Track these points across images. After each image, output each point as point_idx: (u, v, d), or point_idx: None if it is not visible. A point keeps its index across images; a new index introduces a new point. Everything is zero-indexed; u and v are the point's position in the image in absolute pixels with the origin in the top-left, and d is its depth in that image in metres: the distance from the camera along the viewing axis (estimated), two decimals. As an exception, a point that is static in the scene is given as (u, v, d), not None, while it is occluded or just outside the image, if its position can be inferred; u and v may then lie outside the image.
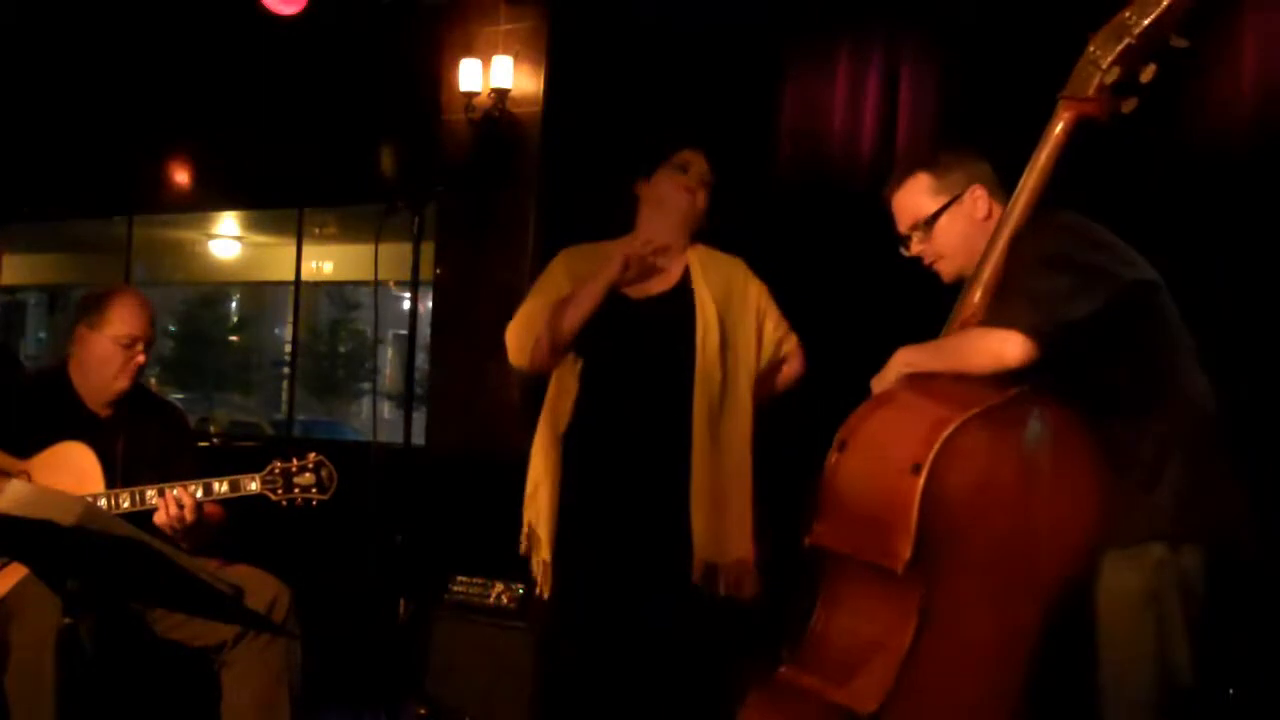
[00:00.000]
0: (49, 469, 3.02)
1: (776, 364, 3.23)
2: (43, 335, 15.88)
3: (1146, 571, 2.20)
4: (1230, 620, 2.27)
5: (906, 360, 2.37)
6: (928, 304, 4.07)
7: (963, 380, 2.28)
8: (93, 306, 3.19)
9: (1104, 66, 2.20)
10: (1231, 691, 2.89)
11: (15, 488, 2.46)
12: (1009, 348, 2.19)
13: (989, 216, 2.43)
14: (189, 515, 2.96)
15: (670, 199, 3.13)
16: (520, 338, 3.15)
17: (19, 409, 3.15)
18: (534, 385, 3.40)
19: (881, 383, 2.41)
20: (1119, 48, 2.18)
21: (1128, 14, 2.18)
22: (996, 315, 2.25)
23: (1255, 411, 3.46)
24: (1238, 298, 3.53)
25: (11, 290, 13.74)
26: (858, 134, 4.49)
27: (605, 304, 3.05)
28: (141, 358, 3.16)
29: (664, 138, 4.48)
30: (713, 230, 3.30)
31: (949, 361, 2.30)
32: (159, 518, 2.95)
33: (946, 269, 2.50)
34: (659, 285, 3.15)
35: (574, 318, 3.05)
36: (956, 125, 4.13)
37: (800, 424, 4.29)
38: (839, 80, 4.53)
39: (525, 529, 3.21)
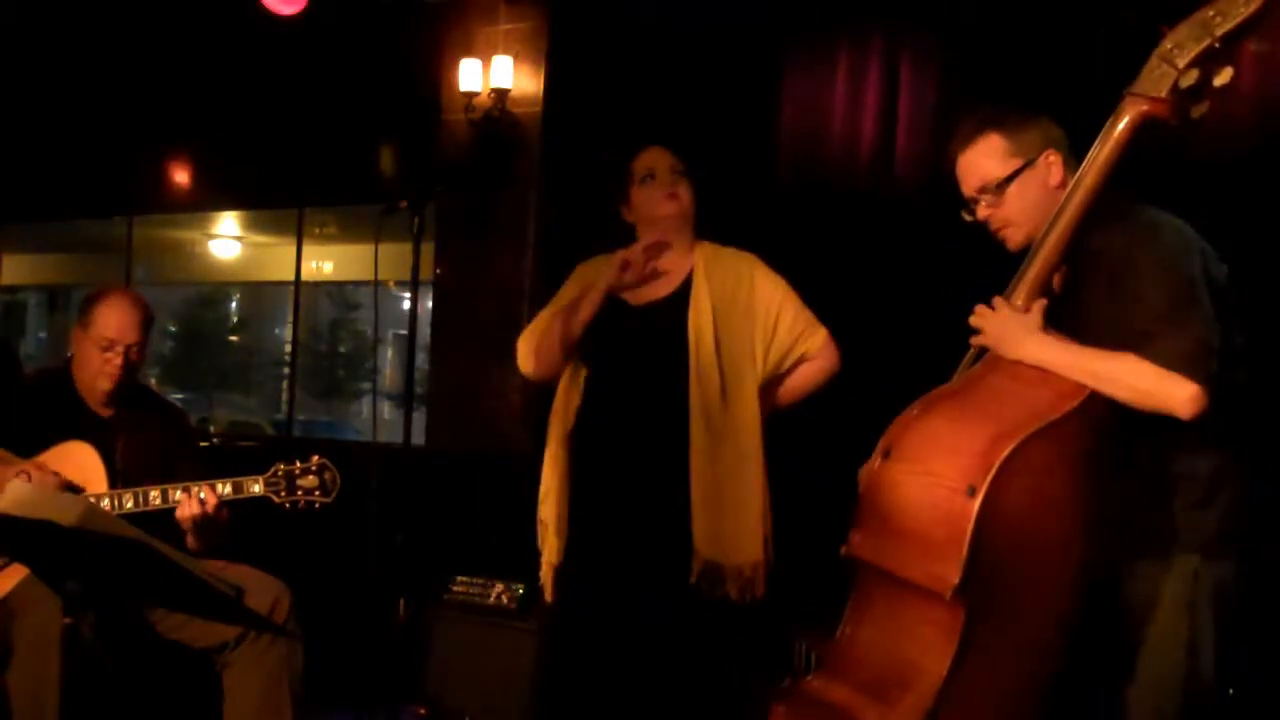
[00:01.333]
0: (52, 468, 3.02)
1: (796, 361, 3.11)
2: (43, 335, 15.89)
3: (1184, 581, 2.16)
4: (1229, 621, 2.27)
5: (1039, 358, 2.18)
6: (927, 303, 4.08)
7: (1020, 384, 2.17)
8: (85, 306, 3.24)
9: (1180, 67, 2.04)
10: (1231, 691, 2.89)
11: (16, 488, 2.47)
12: (1184, 400, 2.05)
13: (1062, 185, 2.29)
14: (210, 509, 2.97)
15: (658, 212, 3.10)
16: (528, 345, 3.18)
17: (22, 408, 3.16)
18: (537, 388, 3.41)
19: (995, 344, 2.25)
20: (1199, 49, 2.03)
21: (1211, 13, 2.03)
22: (1159, 350, 2.07)
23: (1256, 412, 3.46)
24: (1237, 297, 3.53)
25: (11, 290, 13.75)
26: (858, 134, 4.49)
27: (610, 310, 3.04)
28: (118, 360, 3.16)
29: (663, 137, 4.49)
30: (712, 230, 3.29)
31: (1097, 383, 2.11)
32: (181, 513, 2.96)
33: (1015, 236, 2.36)
34: (663, 289, 3.12)
35: (574, 323, 3.05)
36: (957, 125, 4.12)
37: (795, 419, 4.31)
38: (839, 80, 4.53)
39: (540, 527, 3.19)
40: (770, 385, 3.11)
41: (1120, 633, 2.20)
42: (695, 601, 2.97)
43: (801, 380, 3.14)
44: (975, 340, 2.32)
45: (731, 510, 2.98)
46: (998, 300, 2.28)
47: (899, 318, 4.20)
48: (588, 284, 3.12)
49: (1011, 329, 2.23)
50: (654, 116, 4.62)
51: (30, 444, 3.05)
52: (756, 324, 3.07)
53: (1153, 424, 2.13)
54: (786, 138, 4.63)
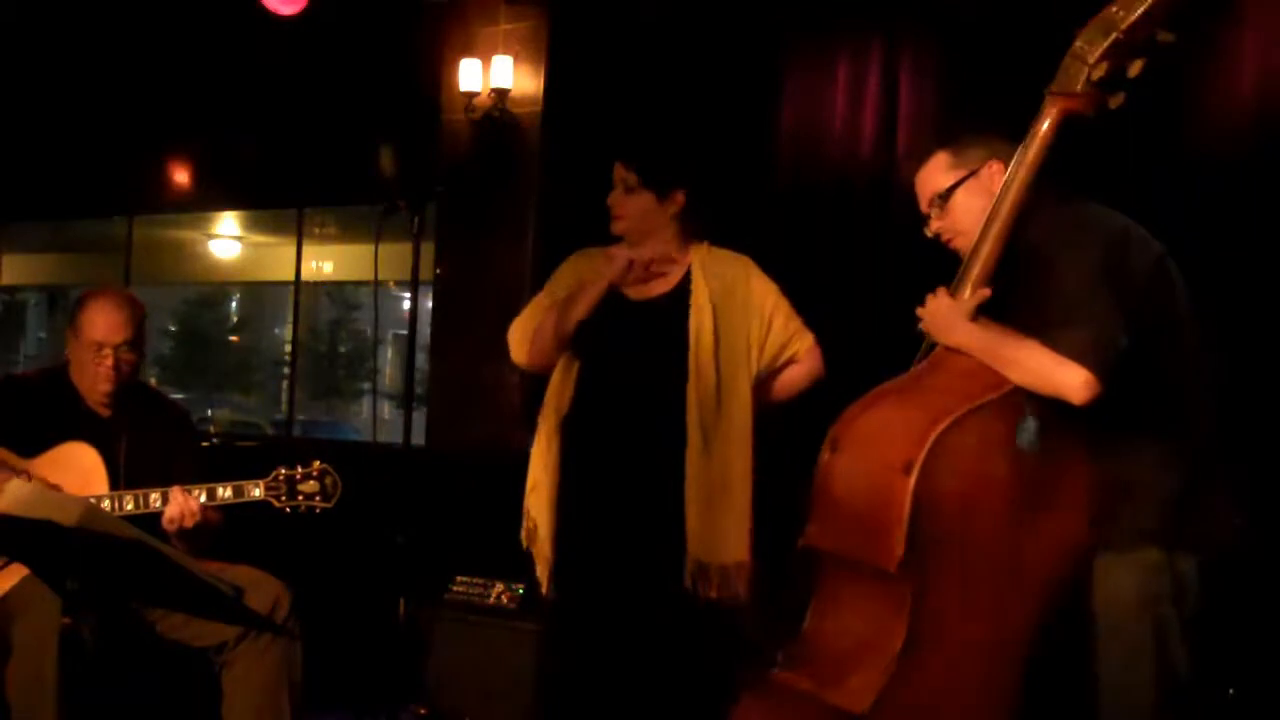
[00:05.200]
0: (53, 469, 3.02)
1: (784, 364, 3.16)
2: (43, 335, 15.88)
3: (1144, 574, 2.21)
4: (1230, 621, 2.27)
5: (961, 342, 2.30)
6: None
7: (957, 376, 2.27)
8: (74, 310, 3.22)
9: (1090, 62, 2.18)
10: (1231, 691, 2.90)
11: (16, 488, 2.47)
12: (1075, 386, 2.13)
13: None
14: (188, 522, 2.97)
15: (611, 228, 3.14)
16: (521, 334, 3.18)
17: (23, 408, 3.16)
18: (535, 384, 3.41)
19: (931, 331, 2.37)
20: (1106, 43, 2.16)
21: (1114, 9, 2.17)
22: (1060, 340, 2.16)
23: (1254, 411, 3.46)
24: (1237, 297, 3.53)
25: (11, 290, 13.74)
26: (858, 134, 4.49)
27: (606, 304, 3.05)
28: (108, 362, 3.14)
29: (662, 137, 4.48)
30: (712, 230, 3.29)
31: (1004, 367, 2.22)
32: (165, 520, 2.96)
33: (964, 245, 2.45)
34: (661, 286, 3.14)
35: (573, 315, 3.05)
36: (956, 124, 4.12)
37: (796, 425, 4.32)
38: (839, 80, 4.53)
39: (527, 523, 3.19)
40: (761, 384, 3.14)
41: (1090, 628, 2.24)
42: (687, 599, 2.99)
43: (789, 381, 3.19)
44: (920, 326, 2.43)
45: (722, 510, 3.01)
46: (940, 290, 2.39)
47: (898, 317, 4.20)
48: (585, 277, 3.12)
49: (943, 316, 2.36)
50: (654, 117, 4.62)
51: (31, 444, 3.05)
52: (752, 322, 3.10)
53: (1108, 420, 2.18)
54: (786, 138, 4.63)
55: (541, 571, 3.16)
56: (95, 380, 3.16)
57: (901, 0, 4.44)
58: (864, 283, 4.39)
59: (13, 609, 2.81)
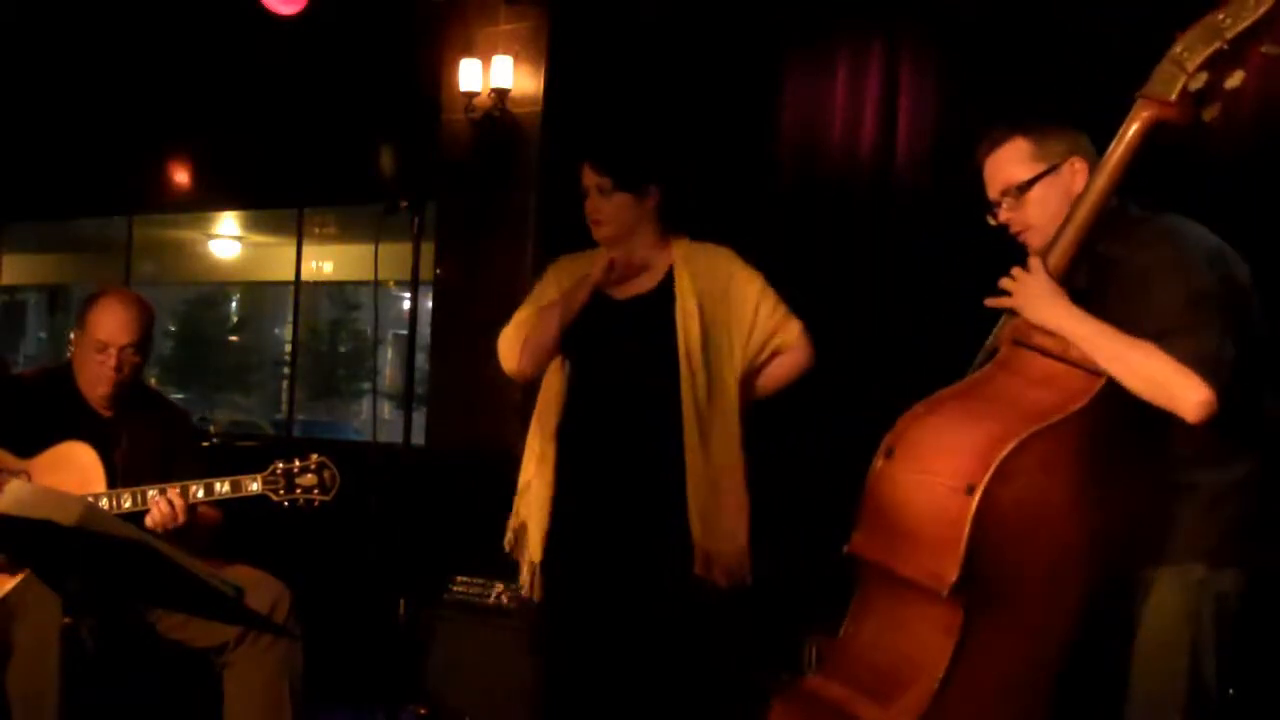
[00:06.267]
0: (51, 468, 3.02)
1: (771, 354, 3.13)
2: (43, 335, 15.87)
3: (1187, 590, 2.16)
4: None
5: (1061, 322, 2.18)
6: (924, 303, 4.07)
7: (1027, 384, 2.18)
8: (82, 308, 3.22)
9: (1190, 70, 2.05)
10: (1231, 691, 2.89)
11: (16, 488, 2.46)
12: (1195, 402, 2.03)
13: None
14: (180, 516, 2.96)
15: (593, 234, 3.14)
16: (509, 344, 3.17)
17: (22, 408, 3.16)
18: (535, 384, 3.41)
19: (1022, 307, 2.25)
20: (1208, 51, 2.03)
21: (1221, 16, 2.03)
22: (1178, 348, 2.05)
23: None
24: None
25: (11, 290, 13.73)
26: (858, 134, 4.49)
27: (593, 306, 3.06)
28: (111, 363, 3.13)
29: (662, 137, 4.48)
30: (711, 230, 3.29)
31: (1111, 363, 2.10)
32: (150, 519, 2.96)
33: (1035, 240, 2.34)
34: (646, 284, 3.14)
35: (556, 321, 3.05)
36: (957, 125, 4.13)
37: (798, 420, 4.32)
38: (839, 80, 4.53)
39: (514, 523, 3.19)
40: (748, 377, 3.13)
41: (1125, 640, 2.20)
42: (695, 593, 3.00)
43: (777, 372, 3.16)
44: (1002, 302, 2.31)
45: (721, 500, 3.03)
46: (1033, 262, 2.27)
47: (897, 317, 4.21)
48: (568, 281, 3.12)
49: (1041, 291, 2.22)
50: (654, 116, 4.62)
51: (30, 443, 3.05)
52: (735, 315, 3.09)
53: (1160, 432, 2.13)
54: (786, 138, 4.63)
55: (526, 574, 3.15)
56: (95, 381, 3.16)
57: (901, 0, 4.44)
58: (864, 283, 4.39)
59: (13, 609, 2.82)
